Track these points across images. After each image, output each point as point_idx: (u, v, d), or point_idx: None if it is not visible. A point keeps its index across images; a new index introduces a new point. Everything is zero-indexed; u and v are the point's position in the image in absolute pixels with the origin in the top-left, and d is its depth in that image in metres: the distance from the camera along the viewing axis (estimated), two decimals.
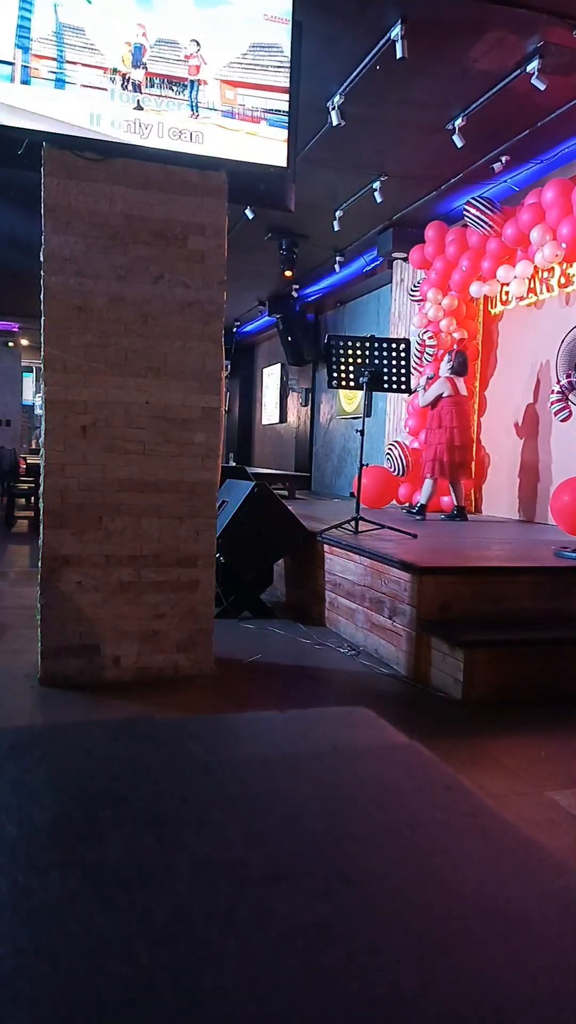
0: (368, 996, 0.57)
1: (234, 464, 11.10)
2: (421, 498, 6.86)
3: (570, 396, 6.32)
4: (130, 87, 3.48)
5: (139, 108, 3.50)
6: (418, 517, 6.72)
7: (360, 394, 6.25)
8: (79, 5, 3.38)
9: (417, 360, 7.90)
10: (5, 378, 15.18)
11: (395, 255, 8.79)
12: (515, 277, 6.87)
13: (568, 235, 6.13)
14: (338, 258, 9.61)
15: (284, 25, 3.61)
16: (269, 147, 3.70)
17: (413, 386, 7.11)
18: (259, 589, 5.48)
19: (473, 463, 7.16)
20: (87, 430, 3.67)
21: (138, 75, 3.50)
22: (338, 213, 7.95)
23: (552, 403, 6.44)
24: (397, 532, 5.31)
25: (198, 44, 3.54)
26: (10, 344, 15.43)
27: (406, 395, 7.44)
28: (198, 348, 3.81)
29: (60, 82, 3.40)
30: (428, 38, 4.81)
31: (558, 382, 6.46)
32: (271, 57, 3.59)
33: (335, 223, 8.10)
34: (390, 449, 8.28)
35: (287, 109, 3.66)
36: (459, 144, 5.89)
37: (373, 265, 9.76)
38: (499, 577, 4.24)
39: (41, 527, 3.67)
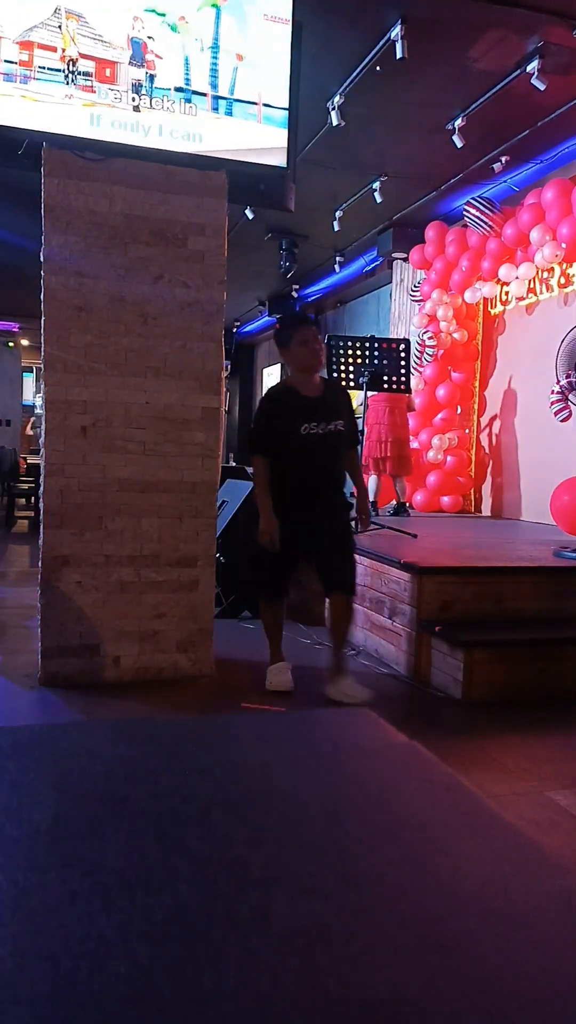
0: (368, 996, 0.57)
1: (234, 464, 11.08)
2: (370, 496, 6.92)
3: (570, 396, 6.32)
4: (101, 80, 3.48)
5: (136, 110, 3.50)
6: (374, 513, 6.76)
7: (360, 394, 6.27)
8: None
9: (417, 360, 7.90)
10: (5, 378, 15.17)
11: (395, 255, 8.78)
12: (516, 277, 6.87)
13: (568, 235, 6.12)
14: (338, 258, 9.60)
15: None
16: (270, 146, 3.70)
17: (413, 386, 7.13)
18: None
19: (410, 459, 7.18)
20: (87, 430, 3.67)
21: (138, 73, 3.49)
22: (338, 213, 7.94)
23: (552, 403, 6.44)
24: (397, 532, 5.31)
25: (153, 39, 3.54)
26: (10, 344, 15.41)
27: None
28: (198, 348, 3.81)
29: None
30: (428, 38, 4.81)
31: (558, 382, 6.46)
32: None
33: (335, 223, 8.09)
34: None
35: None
36: (459, 144, 5.89)
37: (373, 265, 9.75)
38: (499, 577, 4.24)
39: (41, 527, 3.67)
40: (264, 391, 16.47)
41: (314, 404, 3.60)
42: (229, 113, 3.63)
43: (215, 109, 3.61)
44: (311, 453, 3.56)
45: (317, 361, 3.69)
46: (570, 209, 6.11)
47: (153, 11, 3.49)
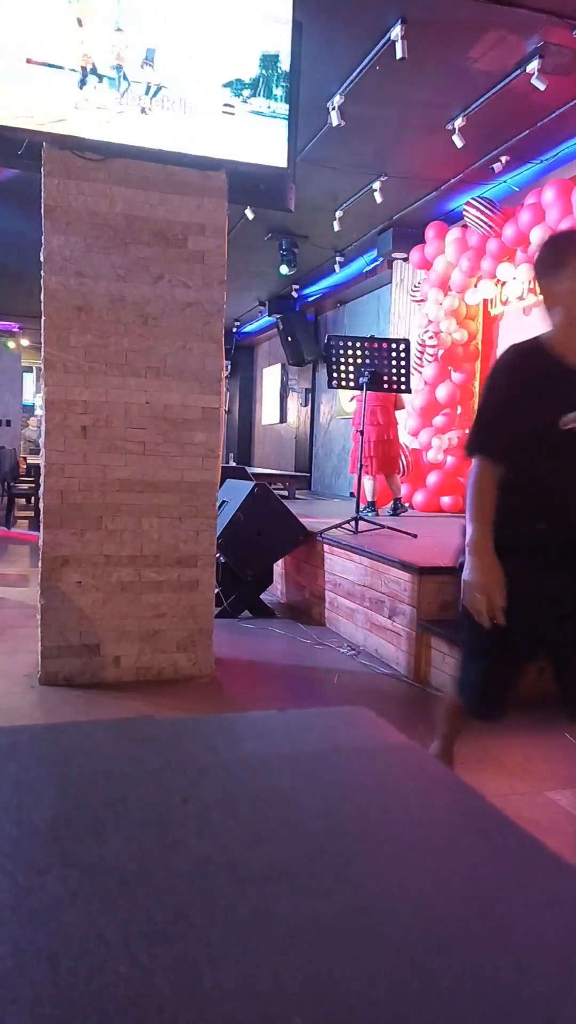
0: (368, 996, 0.57)
1: (234, 464, 11.09)
2: (368, 496, 6.95)
3: None
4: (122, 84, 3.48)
5: (144, 112, 3.50)
6: (370, 513, 6.77)
7: (349, 394, 6.27)
8: None
9: (418, 360, 7.90)
10: (5, 378, 15.16)
11: (395, 255, 8.79)
12: (515, 278, 6.87)
13: None
14: (338, 258, 9.61)
15: None
16: (269, 147, 3.70)
17: (413, 386, 7.14)
18: (259, 589, 5.48)
19: (399, 459, 7.25)
20: (87, 430, 3.67)
21: (150, 76, 3.49)
22: (338, 213, 7.95)
23: None
24: (397, 532, 5.31)
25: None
26: (10, 344, 15.42)
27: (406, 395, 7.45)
28: (198, 348, 3.81)
29: None
30: (428, 38, 4.81)
31: None
32: None
33: (335, 223, 8.10)
34: None
35: None
36: (459, 144, 5.89)
37: (373, 265, 9.75)
38: None
39: (41, 527, 3.67)
40: (263, 391, 16.16)
41: None
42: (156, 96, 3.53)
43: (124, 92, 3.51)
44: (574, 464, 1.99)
45: None
46: (570, 209, 6.11)
47: None
